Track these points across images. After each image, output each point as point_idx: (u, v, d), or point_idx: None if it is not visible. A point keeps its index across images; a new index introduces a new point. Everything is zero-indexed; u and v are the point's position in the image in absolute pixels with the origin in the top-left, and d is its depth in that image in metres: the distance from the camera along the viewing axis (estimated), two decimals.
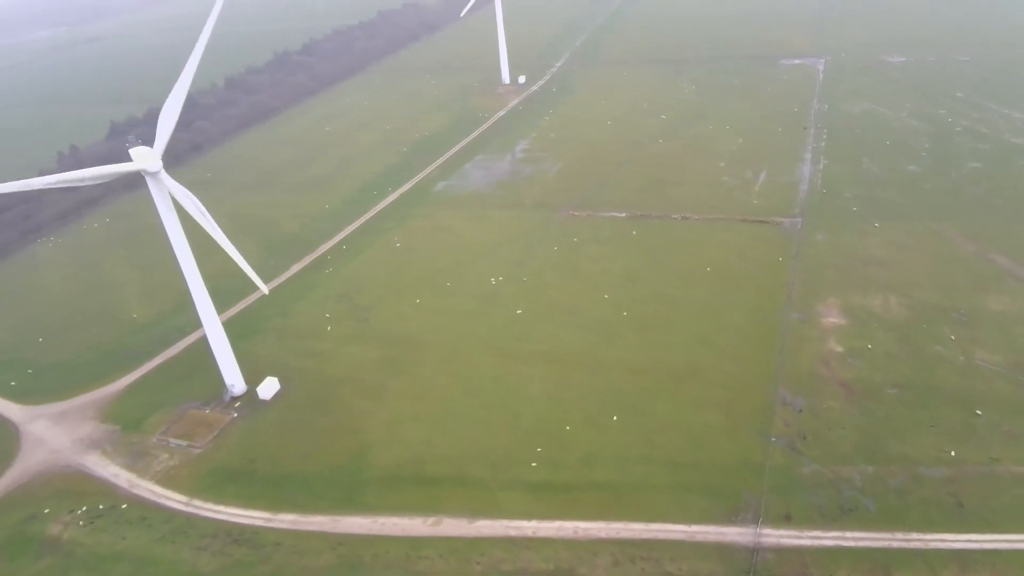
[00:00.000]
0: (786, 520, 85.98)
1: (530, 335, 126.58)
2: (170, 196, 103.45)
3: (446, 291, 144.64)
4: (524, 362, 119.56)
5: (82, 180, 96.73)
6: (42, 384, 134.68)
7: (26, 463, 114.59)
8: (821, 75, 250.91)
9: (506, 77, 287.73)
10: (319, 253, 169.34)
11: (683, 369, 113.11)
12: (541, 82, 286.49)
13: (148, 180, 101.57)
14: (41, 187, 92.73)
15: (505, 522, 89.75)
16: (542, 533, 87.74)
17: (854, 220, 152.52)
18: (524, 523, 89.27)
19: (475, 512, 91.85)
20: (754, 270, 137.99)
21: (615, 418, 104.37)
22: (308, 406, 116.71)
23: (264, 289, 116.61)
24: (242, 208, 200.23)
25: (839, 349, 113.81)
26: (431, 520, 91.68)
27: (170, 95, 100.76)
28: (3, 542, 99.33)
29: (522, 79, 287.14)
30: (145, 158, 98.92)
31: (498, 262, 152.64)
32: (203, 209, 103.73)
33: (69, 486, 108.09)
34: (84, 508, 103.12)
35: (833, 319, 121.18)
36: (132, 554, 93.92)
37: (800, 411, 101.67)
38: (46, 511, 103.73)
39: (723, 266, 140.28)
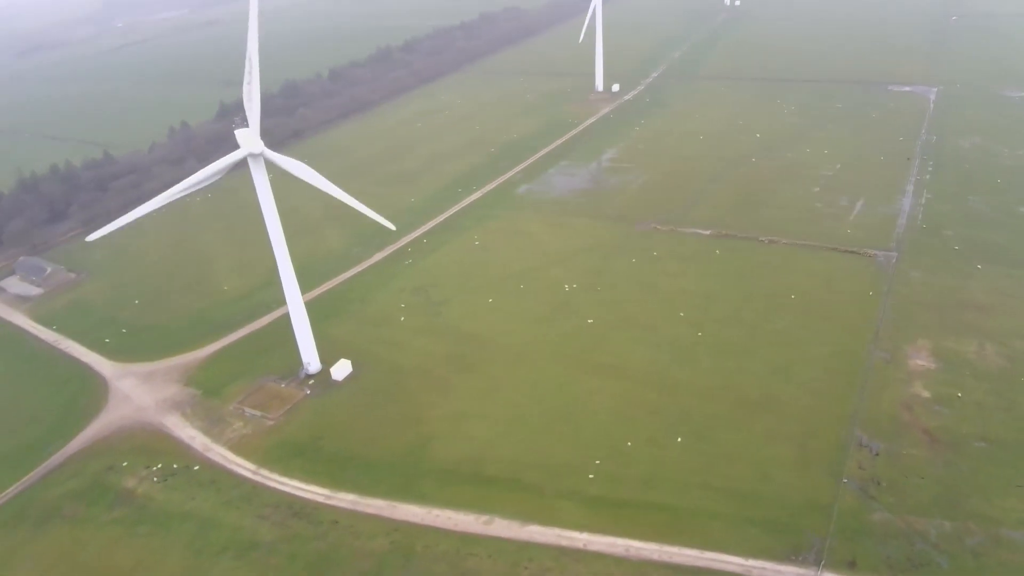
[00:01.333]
0: (850, 566, 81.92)
1: (600, 346, 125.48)
2: (267, 179, 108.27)
3: (519, 294, 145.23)
4: (591, 373, 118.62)
5: (204, 180, 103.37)
6: (134, 344, 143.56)
7: (111, 417, 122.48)
8: (931, 105, 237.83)
9: (600, 85, 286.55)
10: (400, 245, 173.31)
11: (756, 398, 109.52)
12: (635, 92, 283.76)
13: (249, 161, 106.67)
14: (175, 196, 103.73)
15: (557, 531, 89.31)
16: (593, 547, 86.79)
17: (955, 260, 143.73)
18: (576, 534, 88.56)
19: (528, 517, 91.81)
20: (841, 302, 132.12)
21: (679, 440, 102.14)
22: (377, 392, 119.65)
23: (391, 226, 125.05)
24: (331, 199, 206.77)
25: (925, 394, 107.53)
26: (484, 519, 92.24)
27: (246, 81, 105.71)
28: (83, 489, 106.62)
29: (616, 88, 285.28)
30: (250, 141, 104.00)
31: (574, 270, 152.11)
32: (316, 173, 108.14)
33: (148, 443, 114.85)
34: (159, 465, 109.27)
35: (922, 362, 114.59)
36: (199, 515, 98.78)
37: (877, 455, 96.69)
38: (124, 464, 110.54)
39: (808, 295, 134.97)
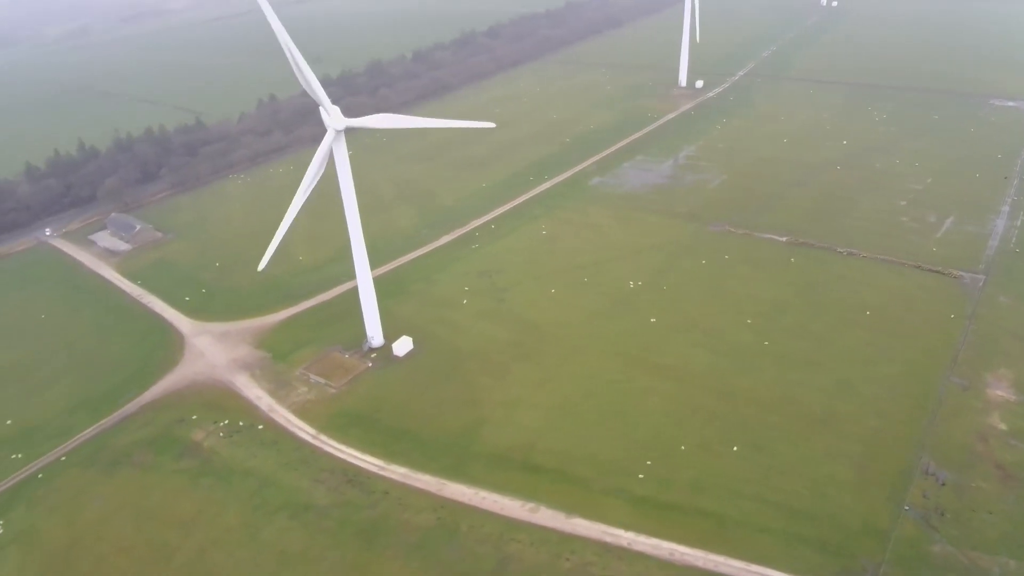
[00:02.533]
0: None
1: (660, 347, 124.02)
2: (347, 156, 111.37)
3: (582, 286, 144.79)
4: (648, 373, 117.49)
5: (317, 172, 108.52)
6: (212, 304, 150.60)
7: (185, 371, 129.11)
8: None
9: (683, 80, 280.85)
10: (468, 229, 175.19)
11: (819, 413, 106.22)
12: (719, 89, 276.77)
13: (332, 136, 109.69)
14: (304, 197, 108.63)
15: (602, 527, 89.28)
16: (637, 547, 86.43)
17: None
18: (621, 532, 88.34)
19: (573, 509, 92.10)
20: (919, 322, 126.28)
21: (735, 449, 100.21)
22: (436, 371, 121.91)
23: (489, 125, 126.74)
24: (406, 176, 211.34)
25: (1002, 427, 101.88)
26: (529, 506, 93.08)
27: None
28: (153, 437, 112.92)
29: (699, 84, 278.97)
30: (335, 118, 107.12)
31: (640, 267, 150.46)
32: (400, 116, 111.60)
33: (217, 399, 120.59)
34: (226, 422, 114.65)
35: (1002, 392, 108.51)
36: (259, 473, 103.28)
37: (943, 484, 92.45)
38: (194, 417, 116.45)
39: (884, 312, 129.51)
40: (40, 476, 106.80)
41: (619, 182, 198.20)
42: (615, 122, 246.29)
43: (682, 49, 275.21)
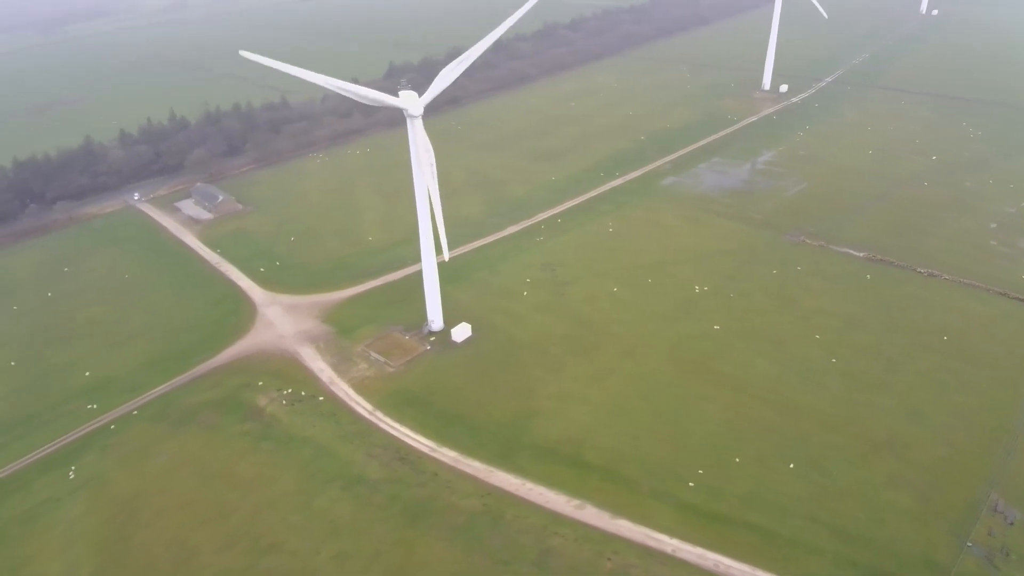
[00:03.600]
0: None
1: (721, 354, 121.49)
2: (426, 140, 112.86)
3: (646, 287, 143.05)
4: (707, 380, 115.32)
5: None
6: (284, 277, 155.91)
7: (255, 339, 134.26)
8: None
9: (767, 83, 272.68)
10: (535, 221, 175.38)
11: (883, 437, 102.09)
12: (804, 95, 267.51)
13: (408, 122, 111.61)
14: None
15: (647, 530, 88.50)
16: (681, 555, 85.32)
17: None
18: (666, 538, 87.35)
19: (619, 510, 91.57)
20: (999, 352, 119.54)
21: (791, 466, 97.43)
22: (492, 359, 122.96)
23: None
24: (478, 165, 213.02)
25: None
26: (575, 503, 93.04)
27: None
28: (221, 399, 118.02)
29: (784, 88, 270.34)
30: (411, 102, 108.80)
31: (707, 271, 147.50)
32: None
33: (282, 368, 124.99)
34: (289, 390, 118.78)
35: None
36: (317, 442, 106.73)
37: (1011, 524, 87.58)
38: (259, 383, 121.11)
39: (963, 338, 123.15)
40: (112, 427, 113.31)
41: (693, 183, 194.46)
42: (693, 122, 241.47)
43: (768, 51, 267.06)
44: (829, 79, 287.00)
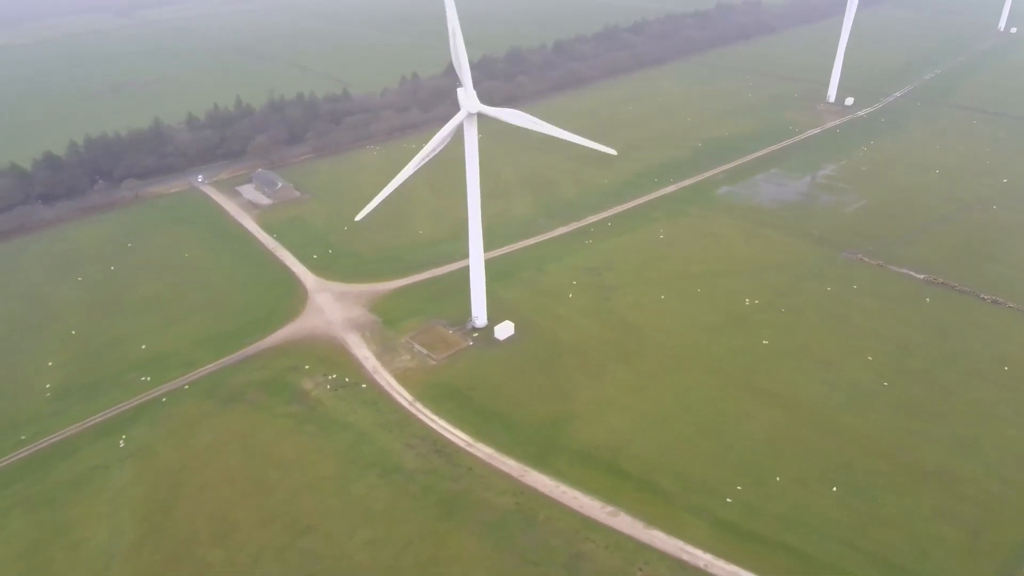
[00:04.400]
0: None
1: (768, 371, 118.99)
2: (476, 138, 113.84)
3: (694, 297, 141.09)
4: (752, 396, 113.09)
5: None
6: (335, 264, 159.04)
7: (304, 323, 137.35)
8: None
9: (832, 95, 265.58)
10: (584, 223, 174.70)
11: (932, 468, 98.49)
12: (870, 109, 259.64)
13: (465, 120, 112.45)
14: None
15: (680, 543, 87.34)
16: (714, 570, 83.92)
17: None
18: (699, 553, 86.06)
19: (653, 520, 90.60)
20: None
21: (834, 490, 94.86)
22: (533, 359, 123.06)
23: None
24: (531, 165, 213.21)
25: None
26: (609, 509, 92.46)
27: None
28: (268, 380, 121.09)
29: (849, 101, 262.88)
30: (469, 101, 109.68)
31: (759, 285, 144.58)
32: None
33: (328, 354, 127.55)
34: (334, 376, 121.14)
35: None
36: (357, 428, 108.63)
37: None
38: (306, 367, 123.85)
39: None
40: (164, 400, 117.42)
41: (749, 194, 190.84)
42: (753, 131, 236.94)
43: (835, 62, 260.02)
44: (898, 94, 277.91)
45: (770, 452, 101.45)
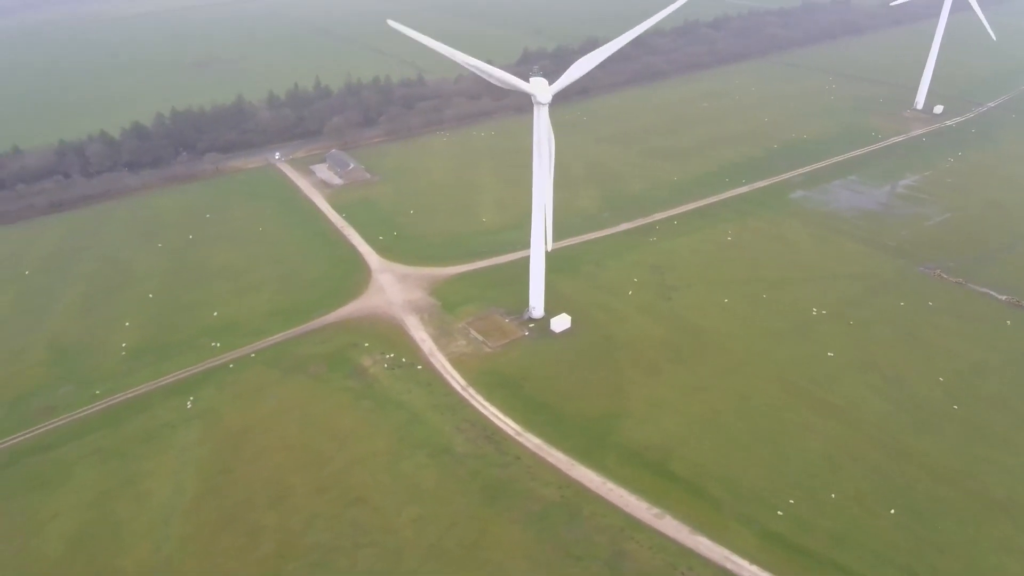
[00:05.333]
0: None
1: (832, 383, 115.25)
2: (549, 129, 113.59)
3: (759, 302, 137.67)
4: (812, 408, 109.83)
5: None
6: (400, 247, 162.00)
7: (367, 302, 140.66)
8: None
9: (920, 102, 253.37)
10: (650, 220, 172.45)
11: (1000, 498, 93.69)
12: (960, 118, 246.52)
13: (535, 109, 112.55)
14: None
15: (726, 552, 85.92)
16: None
17: None
18: (745, 563, 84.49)
19: (700, 526, 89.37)
20: None
21: (892, 512, 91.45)
22: (587, 354, 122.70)
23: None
24: (599, 158, 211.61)
25: None
26: (655, 511, 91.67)
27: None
28: (329, 354, 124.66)
29: (938, 109, 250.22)
30: (541, 88, 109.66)
31: (829, 294, 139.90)
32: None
33: (387, 333, 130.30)
34: (392, 355, 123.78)
35: None
36: (410, 408, 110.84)
37: None
38: (366, 344, 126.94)
39: None
40: (231, 366, 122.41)
41: (824, 200, 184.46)
42: (833, 135, 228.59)
43: (926, 68, 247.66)
44: (992, 104, 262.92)
45: (827, 467, 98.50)
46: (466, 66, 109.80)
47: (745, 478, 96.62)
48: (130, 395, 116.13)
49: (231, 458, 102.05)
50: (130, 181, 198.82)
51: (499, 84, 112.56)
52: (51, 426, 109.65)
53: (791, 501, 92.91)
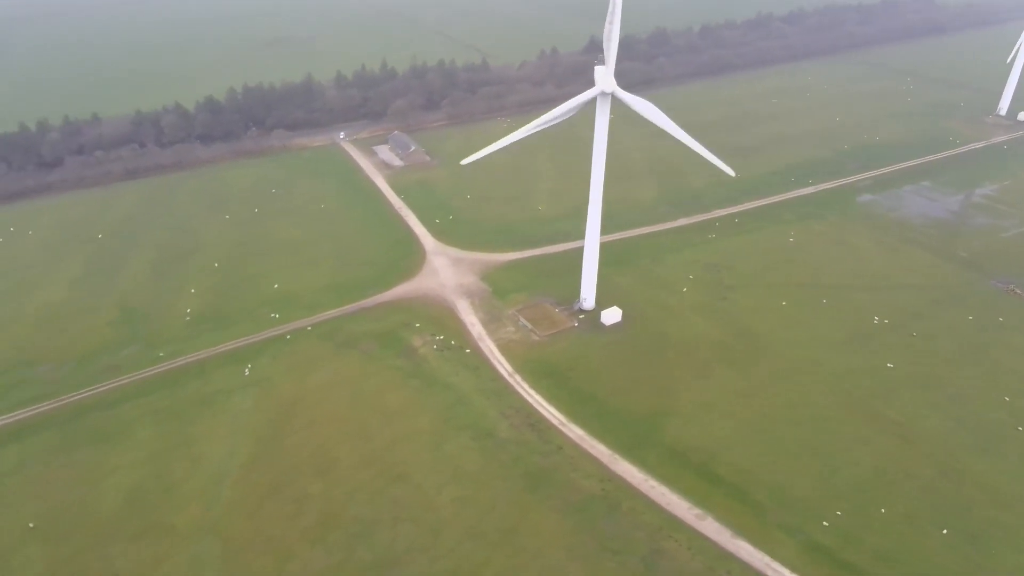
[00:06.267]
0: None
1: (889, 397, 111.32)
2: (607, 119, 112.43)
3: (818, 308, 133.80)
4: (868, 422, 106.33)
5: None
6: (454, 230, 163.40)
7: (420, 283, 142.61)
8: None
9: (1004, 107, 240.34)
10: (709, 217, 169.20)
11: None
12: None
13: (597, 99, 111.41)
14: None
15: (767, 559, 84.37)
16: None
17: None
18: (786, 572, 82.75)
19: (741, 531, 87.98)
20: None
21: (944, 532, 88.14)
22: (637, 349, 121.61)
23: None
24: (660, 151, 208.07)
25: None
26: (697, 512, 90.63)
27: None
28: (381, 332, 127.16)
29: (1023, 116, 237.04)
30: (605, 80, 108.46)
31: (891, 303, 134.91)
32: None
33: (438, 315, 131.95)
34: (441, 337, 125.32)
35: None
36: (457, 390, 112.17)
37: None
38: (417, 325, 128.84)
39: None
40: (288, 337, 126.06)
41: (893, 205, 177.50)
42: (907, 138, 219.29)
43: (1012, 72, 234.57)
44: None
45: (879, 482, 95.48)
46: (541, 126, 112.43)
47: (792, 486, 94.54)
48: (191, 359, 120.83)
49: (282, 427, 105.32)
50: (201, 153, 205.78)
51: (572, 112, 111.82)
52: (115, 384, 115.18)
53: (838, 513, 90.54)
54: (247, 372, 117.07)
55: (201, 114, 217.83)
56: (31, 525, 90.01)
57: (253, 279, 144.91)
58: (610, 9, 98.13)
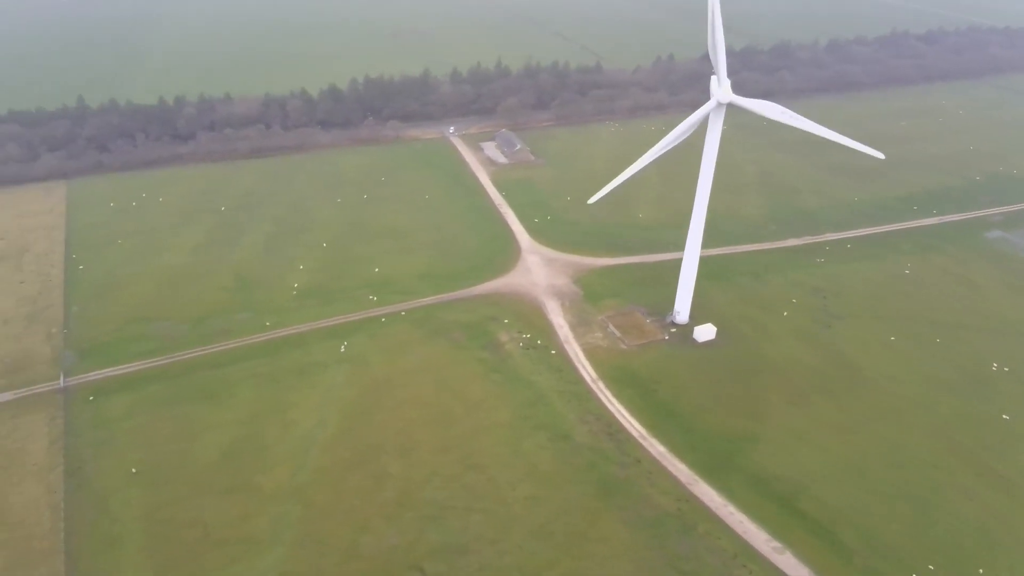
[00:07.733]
0: None
1: (1002, 450, 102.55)
2: (720, 130, 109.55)
3: (931, 346, 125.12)
4: (976, 473, 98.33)
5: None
6: (551, 230, 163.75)
7: (512, 280, 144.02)
8: None
9: None
10: (820, 239, 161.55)
11: None
12: None
13: (713, 110, 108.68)
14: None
15: None
16: None
17: None
18: None
19: (823, 570, 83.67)
20: None
21: None
22: (729, 369, 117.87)
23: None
24: (772, 166, 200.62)
25: None
26: (775, 544, 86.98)
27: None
28: (470, 323, 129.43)
29: None
30: (722, 90, 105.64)
31: (1015, 350, 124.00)
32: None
33: (527, 313, 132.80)
34: (528, 335, 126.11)
35: None
36: (538, 389, 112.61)
37: None
38: (505, 320, 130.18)
39: None
40: (383, 320, 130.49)
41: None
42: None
43: None
44: None
45: (981, 539, 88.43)
46: (663, 150, 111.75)
47: (883, 532, 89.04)
48: (293, 331, 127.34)
49: (370, 404, 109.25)
50: (321, 138, 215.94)
51: (693, 128, 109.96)
52: (224, 347, 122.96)
53: (931, 567, 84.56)
54: (343, 349, 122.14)
55: (324, 101, 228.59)
56: (134, 470, 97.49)
57: (357, 261, 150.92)
58: (710, 19, 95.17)
